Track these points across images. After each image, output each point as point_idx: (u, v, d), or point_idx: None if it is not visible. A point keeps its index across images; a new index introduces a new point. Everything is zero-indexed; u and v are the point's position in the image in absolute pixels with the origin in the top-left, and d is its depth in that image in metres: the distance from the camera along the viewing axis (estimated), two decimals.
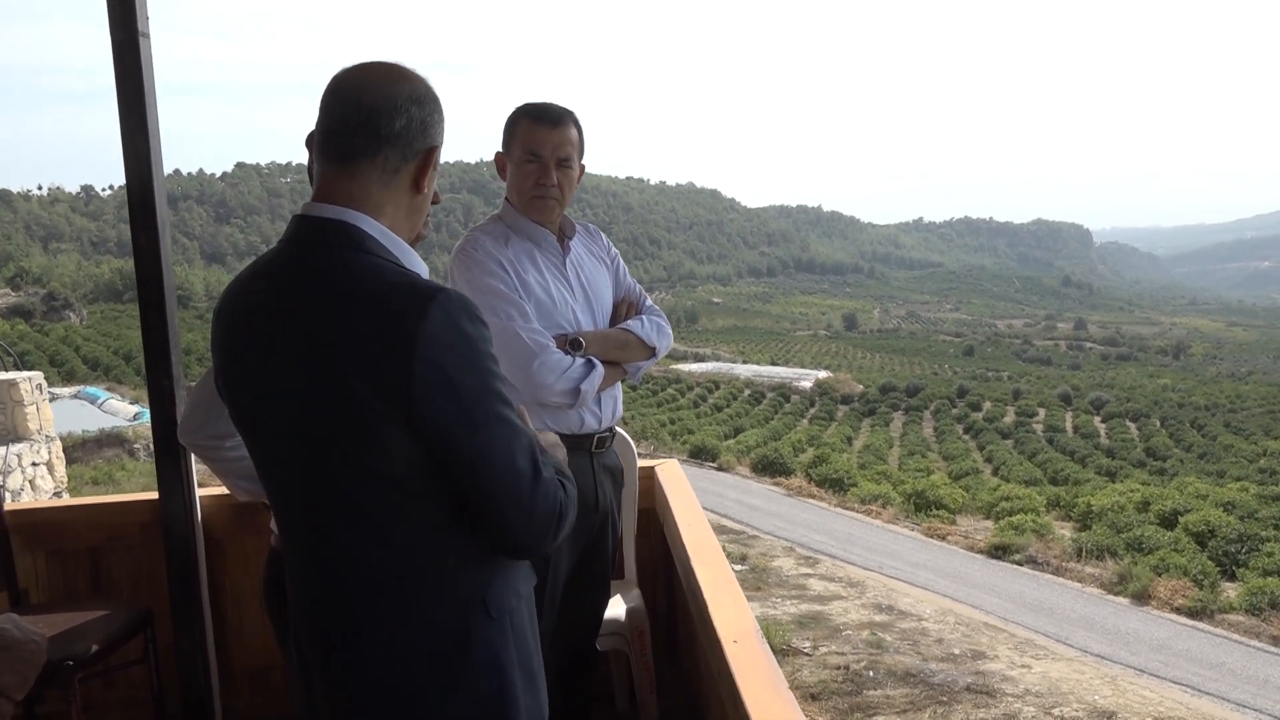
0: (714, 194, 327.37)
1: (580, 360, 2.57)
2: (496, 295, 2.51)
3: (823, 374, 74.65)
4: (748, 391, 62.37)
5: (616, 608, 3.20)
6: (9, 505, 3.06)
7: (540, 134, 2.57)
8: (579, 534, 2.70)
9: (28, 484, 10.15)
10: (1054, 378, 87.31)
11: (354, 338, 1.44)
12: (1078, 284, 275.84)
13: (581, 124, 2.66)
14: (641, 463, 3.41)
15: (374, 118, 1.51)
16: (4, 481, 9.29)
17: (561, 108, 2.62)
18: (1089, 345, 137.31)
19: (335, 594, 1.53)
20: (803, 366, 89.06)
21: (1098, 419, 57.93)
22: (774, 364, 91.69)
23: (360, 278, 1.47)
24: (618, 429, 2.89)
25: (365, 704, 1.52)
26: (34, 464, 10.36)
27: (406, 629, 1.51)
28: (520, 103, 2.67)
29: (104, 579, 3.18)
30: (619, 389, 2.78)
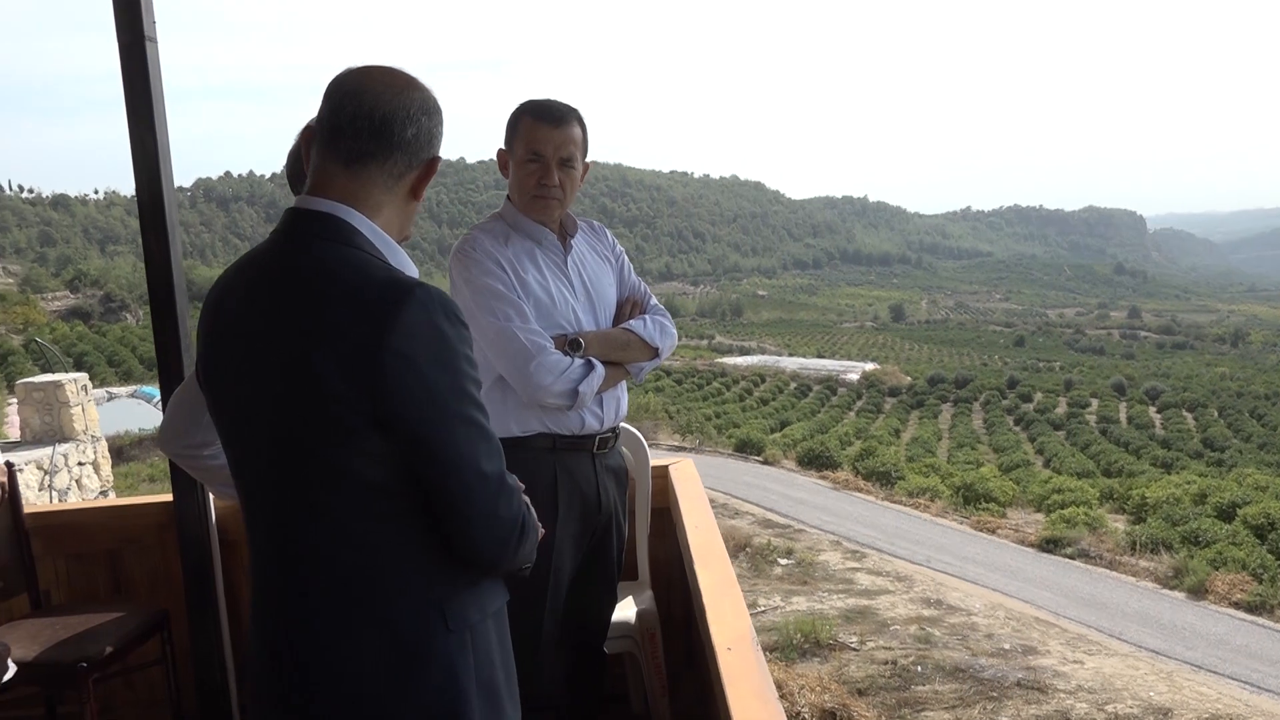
0: (758, 186, 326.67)
1: (579, 361, 2.52)
2: (494, 295, 2.47)
3: (870, 366, 74.05)
4: (794, 384, 62.01)
5: (627, 610, 3.14)
6: (29, 508, 3.08)
7: (542, 133, 2.52)
8: (582, 535, 2.65)
9: (74, 483, 10.35)
10: (1107, 367, 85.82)
11: (330, 330, 1.43)
12: (1131, 271, 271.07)
13: (586, 122, 2.60)
14: (656, 461, 3.36)
15: (388, 124, 1.52)
16: (51, 480, 9.51)
17: (565, 105, 2.57)
18: (1143, 334, 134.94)
19: (294, 592, 1.51)
20: (849, 359, 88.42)
21: (1153, 409, 56.88)
22: (820, 356, 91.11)
23: (341, 271, 1.47)
24: (628, 427, 2.83)
25: (313, 704, 1.50)
26: (80, 463, 10.56)
27: (362, 633, 1.48)
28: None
29: (123, 581, 3.20)
30: (623, 389, 2.73)
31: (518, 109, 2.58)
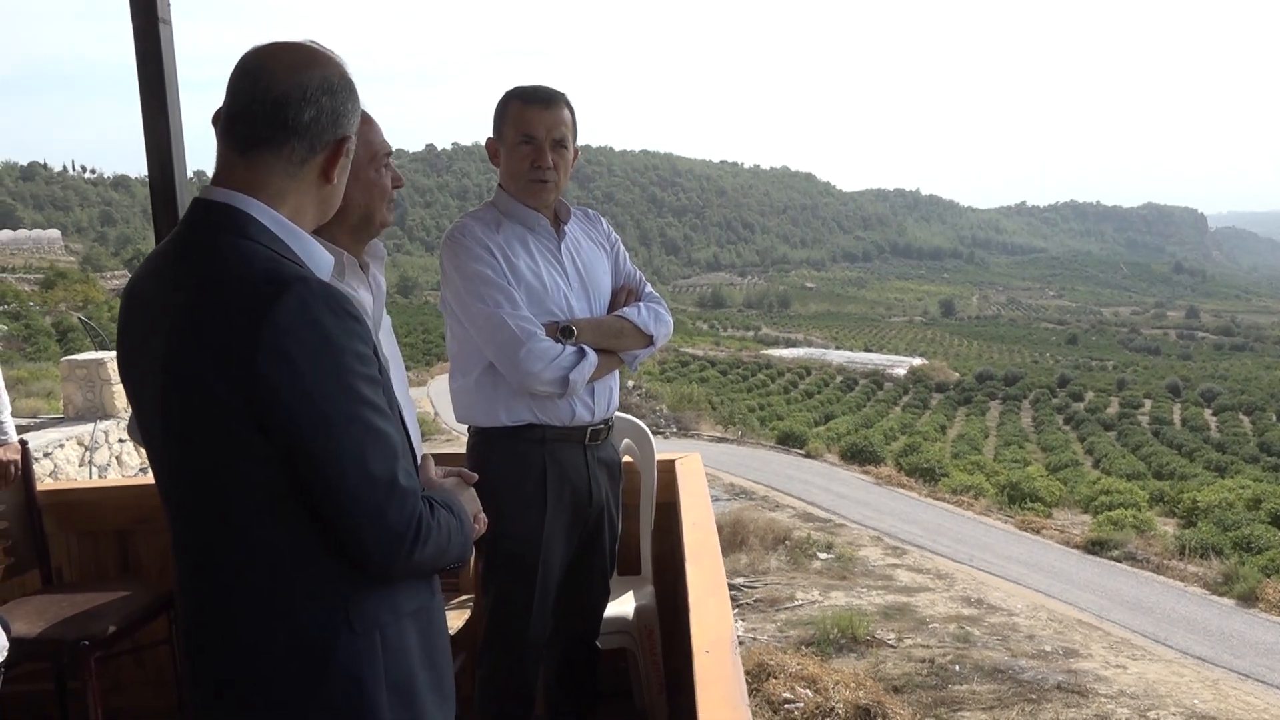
0: (809, 177, 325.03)
1: (570, 348, 2.47)
2: (484, 281, 2.44)
3: (917, 361, 73.48)
4: (840, 378, 61.60)
5: (626, 605, 3.10)
6: (42, 485, 3.12)
7: (533, 115, 2.48)
8: (573, 528, 2.61)
9: (114, 460, 10.48)
10: (1162, 368, 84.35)
11: (210, 326, 1.36)
12: (1190, 270, 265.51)
13: (574, 106, 2.56)
14: (663, 456, 3.31)
15: (281, 107, 1.44)
16: (92, 457, 9.68)
17: (552, 89, 2.52)
18: (1201, 334, 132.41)
19: (204, 594, 1.47)
20: (897, 353, 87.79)
21: (1208, 411, 55.75)
22: (867, 350, 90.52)
23: (227, 263, 1.40)
24: (634, 420, 2.79)
25: (219, 704, 1.47)
26: (120, 440, 10.67)
27: (268, 634, 1.43)
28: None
29: (132, 560, 3.22)
30: (615, 380, 2.68)
31: (505, 95, 2.54)
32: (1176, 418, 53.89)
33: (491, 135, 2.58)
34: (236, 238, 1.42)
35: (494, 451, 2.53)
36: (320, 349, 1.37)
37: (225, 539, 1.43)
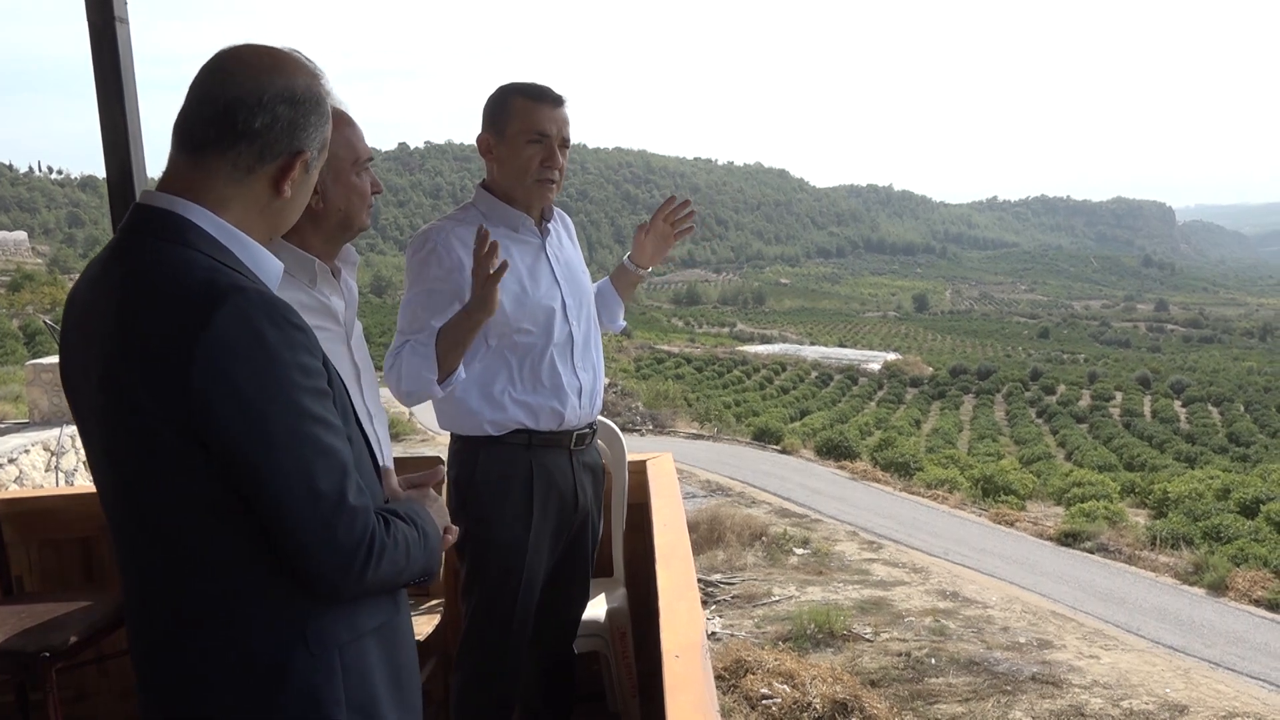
0: (782, 174, 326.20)
1: (396, 351, 2.38)
2: (427, 297, 2.42)
3: (891, 356, 73.83)
4: (815, 374, 61.81)
5: (598, 608, 3.08)
6: (2, 493, 3.05)
7: (545, 113, 2.44)
8: (559, 534, 2.58)
9: (81, 464, 10.22)
10: (1132, 360, 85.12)
11: (143, 338, 1.29)
12: (1159, 264, 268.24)
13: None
14: (634, 456, 3.30)
15: (233, 110, 1.37)
16: (58, 462, 9.53)
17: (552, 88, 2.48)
18: (1170, 327, 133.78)
19: (150, 611, 1.40)
20: (871, 348, 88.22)
21: (1178, 403, 56.37)
22: (842, 346, 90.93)
23: (162, 272, 1.33)
24: (605, 420, 2.77)
25: None
26: None
27: (220, 654, 1.36)
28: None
29: (96, 569, 3.16)
30: (600, 382, 2.63)
31: (505, 90, 2.47)
32: (1147, 410, 54.46)
33: (484, 131, 2.49)
34: (174, 245, 1.35)
35: (479, 459, 2.48)
36: (260, 363, 1.29)
37: (172, 557, 1.36)
